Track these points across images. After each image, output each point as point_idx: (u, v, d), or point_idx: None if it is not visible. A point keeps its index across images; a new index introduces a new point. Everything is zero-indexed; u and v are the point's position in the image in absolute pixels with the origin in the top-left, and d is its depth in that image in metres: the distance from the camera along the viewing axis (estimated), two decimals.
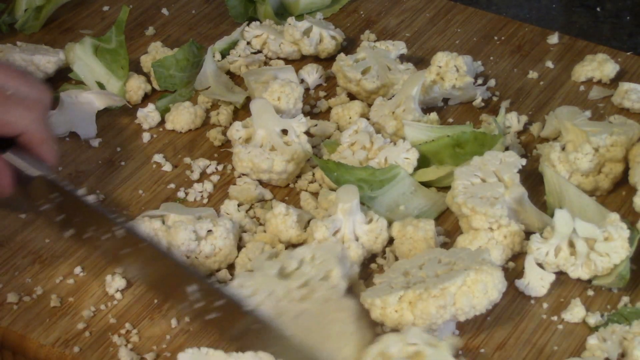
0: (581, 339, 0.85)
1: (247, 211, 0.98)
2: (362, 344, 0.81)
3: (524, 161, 0.96)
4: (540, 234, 0.90)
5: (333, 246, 0.89)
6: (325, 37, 1.16)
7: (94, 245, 0.89)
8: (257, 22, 1.20)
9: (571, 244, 0.89)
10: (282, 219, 0.93)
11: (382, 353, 0.77)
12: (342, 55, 1.12)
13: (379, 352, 0.77)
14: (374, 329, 0.84)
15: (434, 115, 1.04)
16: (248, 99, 1.08)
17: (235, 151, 1.00)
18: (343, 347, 0.80)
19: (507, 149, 1.00)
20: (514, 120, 1.06)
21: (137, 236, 0.86)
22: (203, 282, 0.84)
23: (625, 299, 0.89)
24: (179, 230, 0.91)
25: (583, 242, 0.88)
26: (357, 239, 0.92)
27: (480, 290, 0.81)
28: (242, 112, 1.10)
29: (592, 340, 0.83)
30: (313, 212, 0.96)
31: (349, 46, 1.18)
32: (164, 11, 1.26)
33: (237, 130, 1.02)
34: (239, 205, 0.97)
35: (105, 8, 1.27)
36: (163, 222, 0.93)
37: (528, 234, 0.92)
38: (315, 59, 1.17)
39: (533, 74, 1.14)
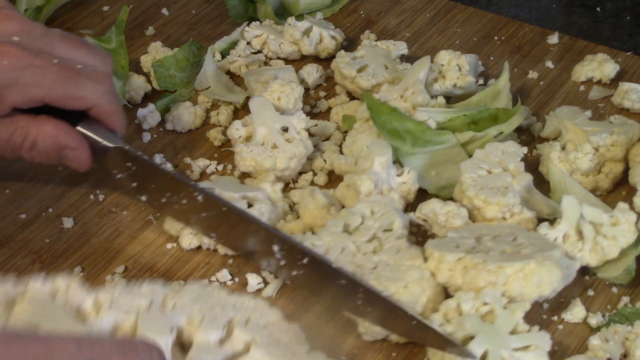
0: (581, 339, 0.85)
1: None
2: (438, 290, 0.84)
3: (525, 149, 0.96)
4: (549, 222, 0.90)
5: (384, 198, 0.92)
6: (325, 37, 1.16)
7: (170, 210, 0.91)
8: (257, 22, 1.20)
9: (579, 232, 0.89)
10: (321, 213, 0.93)
11: (457, 307, 0.80)
12: (341, 52, 1.12)
13: (455, 307, 0.80)
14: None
15: (441, 99, 1.04)
16: (248, 99, 1.08)
17: (237, 150, 1.00)
18: (421, 294, 0.83)
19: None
20: None
21: (218, 200, 0.88)
22: (287, 241, 0.86)
23: (625, 299, 0.89)
24: None
25: (590, 227, 0.89)
26: (391, 191, 0.94)
27: (534, 282, 0.81)
28: (242, 112, 1.10)
29: (595, 341, 0.83)
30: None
31: (349, 46, 1.18)
32: (164, 11, 1.26)
33: (237, 129, 1.02)
34: None
35: (105, 8, 1.27)
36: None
37: (538, 220, 0.92)
38: (315, 59, 1.17)
39: (533, 74, 1.14)
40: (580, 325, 0.87)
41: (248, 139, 1.01)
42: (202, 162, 1.03)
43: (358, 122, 1.03)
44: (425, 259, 0.85)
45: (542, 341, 0.79)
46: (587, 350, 0.83)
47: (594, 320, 0.86)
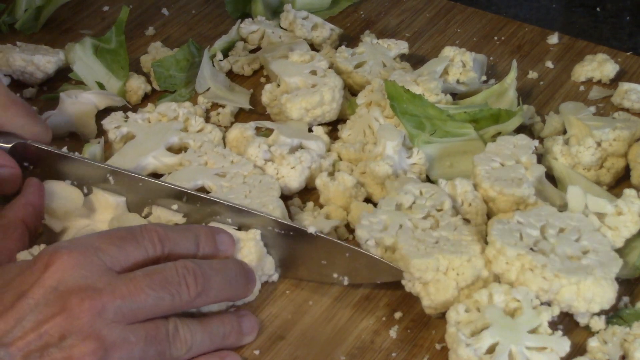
0: (580, 340, 0.85)
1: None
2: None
3: (536, 142, 0.97)
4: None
5: (416, 181, 0.94)
6: (320, 24, 1.16)
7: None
8: (250, 19, 1.20)
9: None
10: (350, 193, 0.95)
11: (489, 298, 0.81)
12: (342, 47, 1.13)
13: (487, 297, 0.81)
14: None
15: (449, 97, 1.05)
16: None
17: (284, 101, 1.02)
18: (483, 268, 0.84)
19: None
20: None
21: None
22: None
23: (625, 299, 0.88)
24: (253, 143, 0.97)
25: (594, 217, 0.89)
26: (405, 173, 0.96)
27: (585, 298, 0.81)
28: (242, 112, 1.10)
29: (593, 343, 0.83)
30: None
31: (349, 45, 1.18)
32: (164, 11, 1.26)
33: (270, 92, 1.05)
34: None
35: (105, 8, 1.27)
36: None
37: None
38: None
39: (533, 74, 1.14)
40: (579, 326, 0.87)
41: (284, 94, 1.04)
42: None
43: (358, 107, 1.04)
44: (486, 241, 0.86)
45: (559, 346, 0.79)
46: (586, 352, 0.83)
47: (593, 322, 0.86)
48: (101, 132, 1.05)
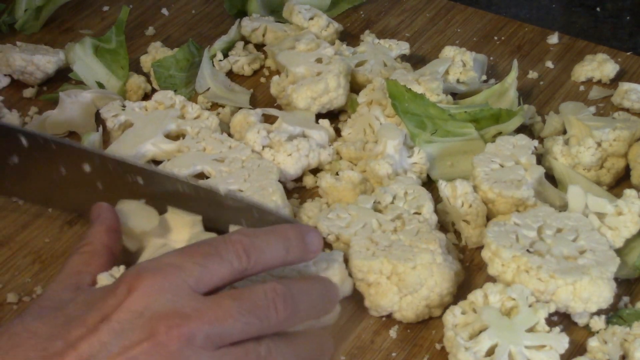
0: (580, 340, 0.85)
1: None
2: (448, 277, 0.84)
3: (536, 142, 0.97)
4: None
5: (418, 181, 0.95)
6: (318, 14, 1.17)
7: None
8: (247, 18, 1.20)
9: None
10: (357, 189, 0.95)
11: (485, 298, 0.81)
12: (343, 47, 1.13)
13: (482, 297, 0.81)
14: (462, 263, 0.90)
15: (450, 98, 1.05)
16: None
17: (290, 91, 1.02)
18: (429, 277, 0.84)
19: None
20: None
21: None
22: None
23: (625, 299, 0.88)
24: (253, 129, 0.97)
25: (594, 217, 0.89)
26: (405, 173, 0.96)
27: (582, 298, 0.81)
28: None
29: (593, 342, 0.83)
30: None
31: (350, 45, 1.18)
32: (164, 11, 1.26)
33: (278, 84, 1.05)
34: None
35: (105, 8, 1.27)
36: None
37: None
38: None
39: (533, 74, 1.14)
40: (579, 326, 0.87)
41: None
42: None
43: (359, 106, 1.04)
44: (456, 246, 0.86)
45: (558, 343, 0.79)
46: (586, 352, 0.83)
47: (593, 322, 0.86)
48: (99, 122, 1.05)
